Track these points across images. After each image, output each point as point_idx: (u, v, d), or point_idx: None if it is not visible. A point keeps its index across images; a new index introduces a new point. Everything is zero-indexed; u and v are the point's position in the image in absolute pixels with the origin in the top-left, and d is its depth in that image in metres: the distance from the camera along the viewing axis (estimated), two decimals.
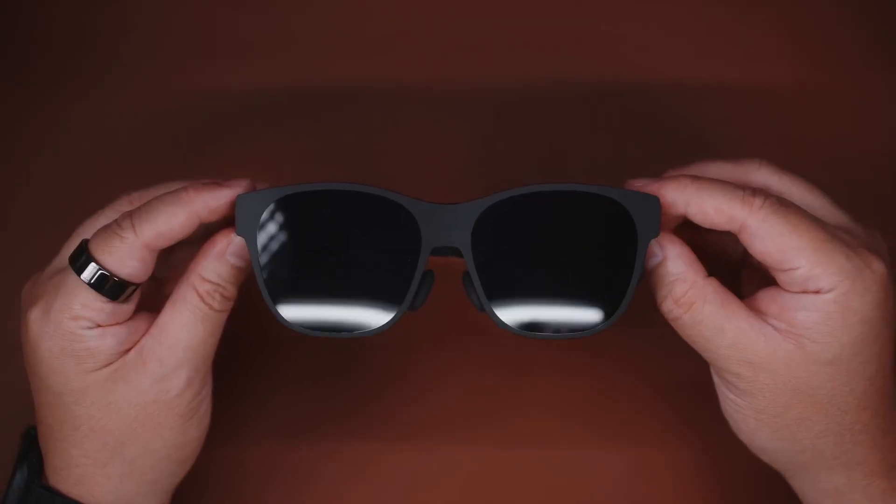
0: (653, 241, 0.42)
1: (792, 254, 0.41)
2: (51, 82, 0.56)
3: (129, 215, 0.43)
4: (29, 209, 0.55)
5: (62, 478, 0.44)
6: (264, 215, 0.43)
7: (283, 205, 0.43)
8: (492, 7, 0.56)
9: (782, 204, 0.41)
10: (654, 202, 0.42)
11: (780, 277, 0.41)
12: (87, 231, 0.45)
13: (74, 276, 0.42)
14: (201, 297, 0.43)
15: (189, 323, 0.43)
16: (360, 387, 0.53)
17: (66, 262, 0.43)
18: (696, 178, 0.42)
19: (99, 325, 0.43)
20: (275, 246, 0.43)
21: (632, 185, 0.44)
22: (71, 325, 0.42)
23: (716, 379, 0.44)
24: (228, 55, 0.56)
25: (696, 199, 0.42)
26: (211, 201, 0.43)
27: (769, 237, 0.41)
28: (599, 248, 0.43)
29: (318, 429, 0.53)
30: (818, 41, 0.55)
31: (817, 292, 0.40)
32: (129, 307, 0.44)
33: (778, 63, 0.55)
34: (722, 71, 0.55)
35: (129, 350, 0.44)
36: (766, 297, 0.42)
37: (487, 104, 0.55)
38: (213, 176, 0.53)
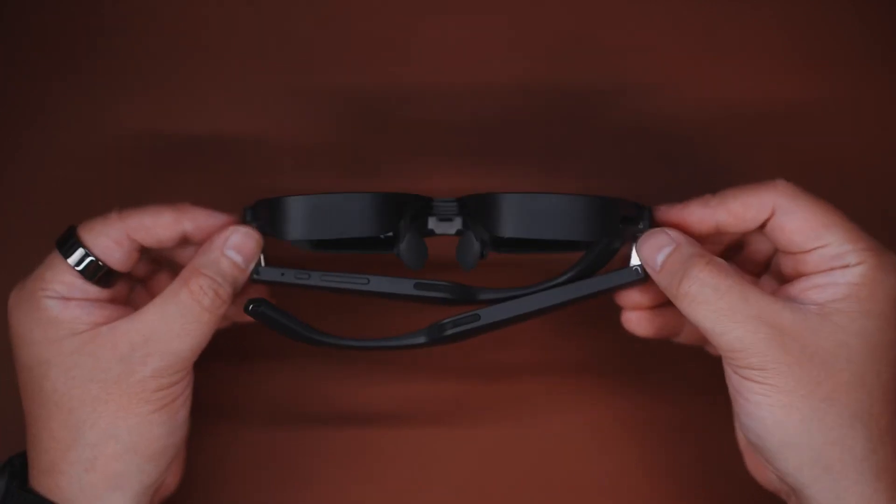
0: (661, 233, 0.43)
1: (822, 230, 0.41)
2: (52, 83, 0.56)
3: (119, 208, 0.44)
4: (29, 210, 0.55)
5: (38, 471, 0.43)
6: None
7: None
8: (492, 9, 0.56)
9: (803, 189, 0.43)
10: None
11: (806, 260, 0.42)
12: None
13: (56, 253, 0.43)
14: (191, 291, 0.42)
15: (170, 315, 0.42)
16: (342, 373, 0.53)
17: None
18: (717, 194, 0.44)
19: (64, 298, 0.43)
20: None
21: (656, 210, 0.45)
22: (37, 293, 0.43)
23: (735, 382, 0.42)
24: (226, 57, 0.56)
25: (722, 205, 0.43)
26: (201, 218, 0.44)
27: (801, 212, 0.42)
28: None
29: (296, 413, 0.53)
30: (823, 49, 0.55)
31: (845, 267, 0.41)
32: (100, 291, 0.44)
33: (781, 71, 0.55)
34: (724, 74, 0.55)
35: (102, 324, 0.43)
36: (785, 287, 0.43)
37: (488, 105, 0.55)
38: (214, 177, 0.54)
